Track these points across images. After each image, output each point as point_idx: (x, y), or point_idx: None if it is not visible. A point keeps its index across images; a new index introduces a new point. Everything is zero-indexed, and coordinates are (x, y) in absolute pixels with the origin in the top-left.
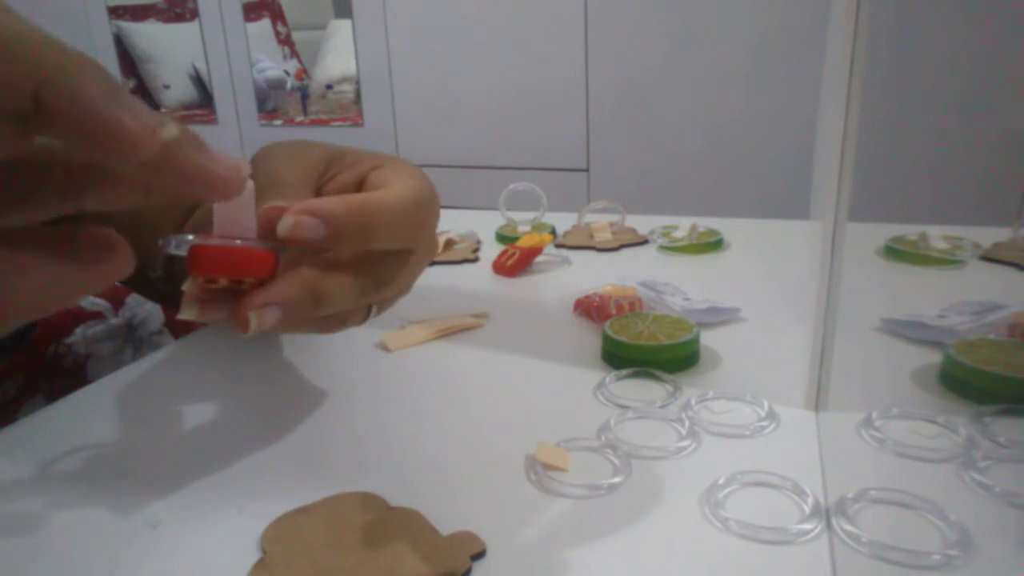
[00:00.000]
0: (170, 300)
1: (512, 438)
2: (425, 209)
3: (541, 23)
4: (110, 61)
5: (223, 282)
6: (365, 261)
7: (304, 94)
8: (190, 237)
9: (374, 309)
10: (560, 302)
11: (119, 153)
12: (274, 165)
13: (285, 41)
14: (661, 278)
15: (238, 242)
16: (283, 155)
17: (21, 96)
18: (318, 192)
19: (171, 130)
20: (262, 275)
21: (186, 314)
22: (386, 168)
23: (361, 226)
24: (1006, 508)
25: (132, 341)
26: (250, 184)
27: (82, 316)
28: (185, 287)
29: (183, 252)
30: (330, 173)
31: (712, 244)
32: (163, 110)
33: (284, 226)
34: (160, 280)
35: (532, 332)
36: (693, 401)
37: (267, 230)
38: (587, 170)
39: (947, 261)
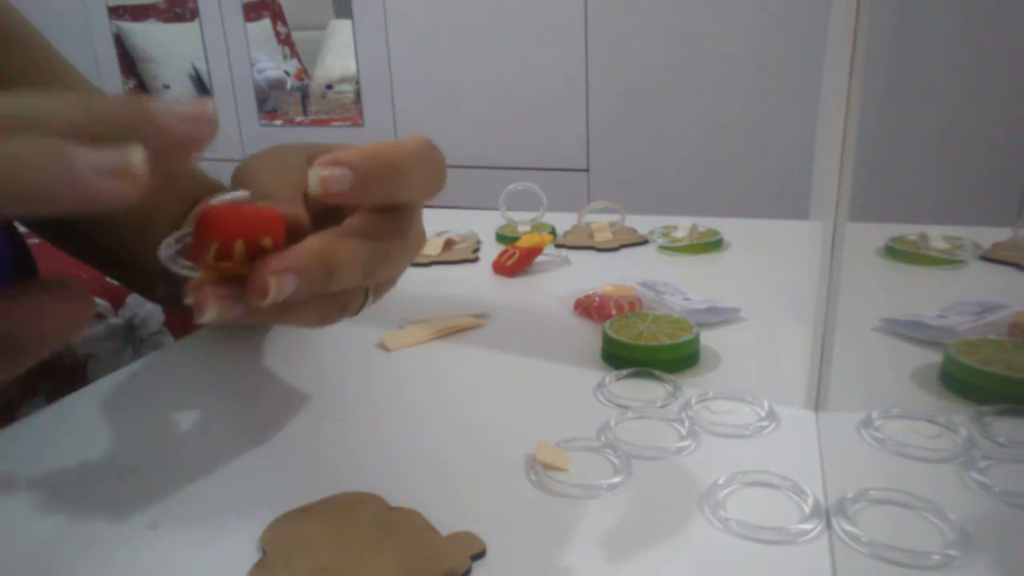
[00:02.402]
0: (172, 302)
1: (512, 438)
2: (441, 159)
3: (541, 23)
4: (110, 61)
5: (239, 253)
6: (369, 233)
7: (304, 94)
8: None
9: (371, 296)
10: (560, 302)
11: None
12: (257, 179)
13: (285, 41)
14: (661, 278)
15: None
16: (267, 168)
17: None
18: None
19: (137, 154)
20: (277, 237)
21: (207, 315)
22: None
23: (387, 170)
24: (1006, 508)
25: (132, 341)
26: (243, 192)
27: None
28: (193, 279)
29: (181, 245)
30: None
31: (712, 244)
32: None
33: (313, 181)
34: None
35: (532, 332)
36: (693, 401)
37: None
38: (587, 170)
39: (947, 261)
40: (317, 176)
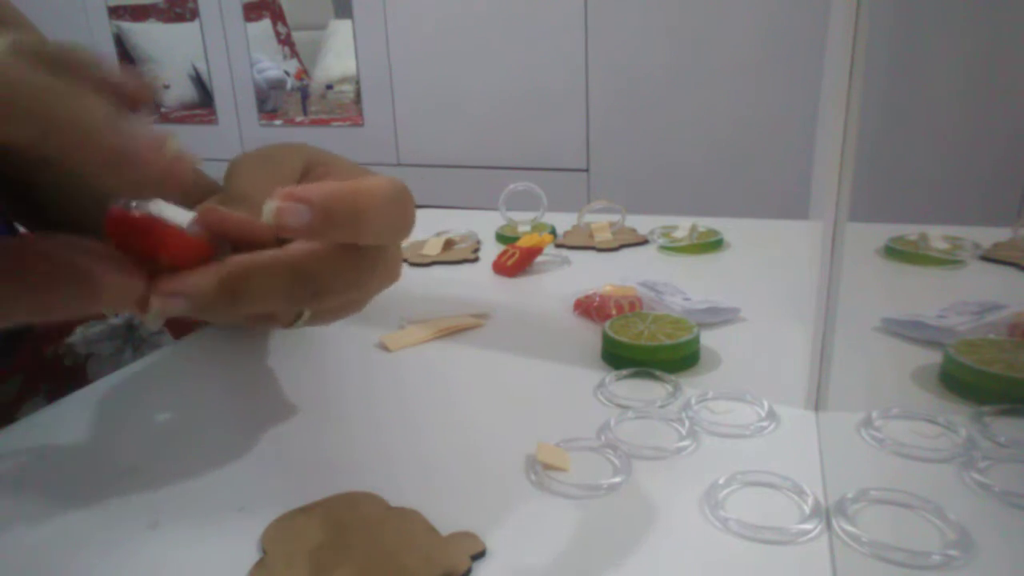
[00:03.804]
0: None
1: (512, 438)
2: (411, 203)
3: (541, 23)
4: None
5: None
6: (309, 263)
7: (304, 94)
8: (134, 204)
9: (306, 315)
10: (560, 302)
11: (128, 177)
12: (243, 179)
13: (285, 41)
14: (661, 278)
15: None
16: (254, 166)
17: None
18: None
19: (173, 145)
20: (181, 260)
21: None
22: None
23: (349, 213)
24: (1006, 508)
25: (132, 341)
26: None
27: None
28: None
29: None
30: (305, 182)
31: (712, 244)
32: (162, 110)
33: (268, 212)
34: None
35: (532, 332)
36: (693, 401)
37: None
38: (587, 170)
39: (947, 261)
40: (272, 208)
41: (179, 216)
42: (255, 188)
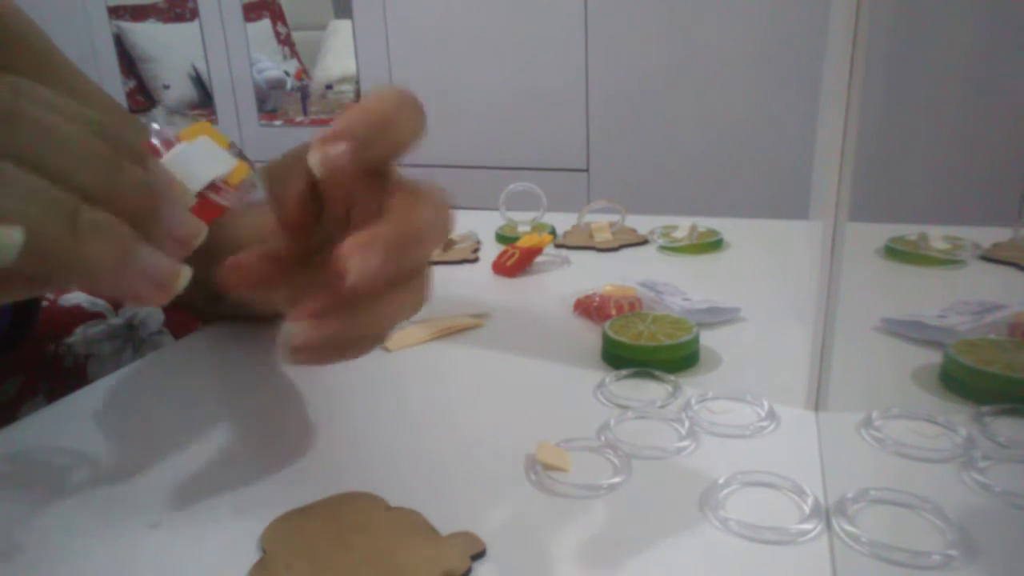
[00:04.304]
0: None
1: (512, 438)
2: (416, 100)
3: (541, 23)
4: (110, 61)
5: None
6: (400, 211)
7: (304, 94)
8: (155, 126)
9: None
10: (560, 302)
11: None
12: (275, 180)
13: (285, 41)
14: (661, 278)
15: None
16: (284, 159)
17: None
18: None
19: (185, 276)
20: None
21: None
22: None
23: (380, 123)
24: (1006, 508)
25: (132, 341)
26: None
27: (82, 316)
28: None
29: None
30: None
31: (712, 244)
32: (162, 108)
33: (314, 164)
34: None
35: (532, 332)
36: (693, 401)
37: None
38: (587, 170)
39: (947, 261)
40: (317, 159)
41: (204, 170)
42: (280, 169)
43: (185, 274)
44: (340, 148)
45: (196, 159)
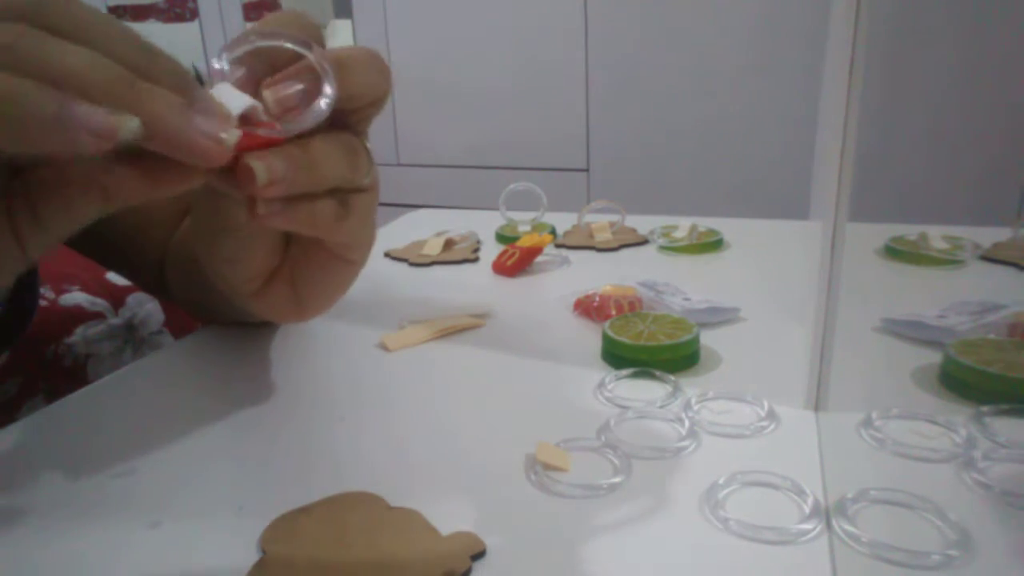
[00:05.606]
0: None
1: (512, 438)
2: (380, 58)
3: (541, 23)
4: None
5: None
6: (331, 142)
7: None
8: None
9: (351, 215)
10: (560, 302)
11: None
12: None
13: None
14: (661, 278)
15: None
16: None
17: None
18: None
19: (233, 136)
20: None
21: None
22: None
23: (307, 165)
24: (1006, 508)
25: (132, 341)
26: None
27: (82, 316)
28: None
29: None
30: None
31: (712, 244)
32: None
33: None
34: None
35: (532, 332)
36: (693, 401)
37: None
38: (587, 170)
39: (947, 261)
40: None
41: (235, 100)
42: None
43: (132, 122)
44: (271, 196)
45: (225, 96)
